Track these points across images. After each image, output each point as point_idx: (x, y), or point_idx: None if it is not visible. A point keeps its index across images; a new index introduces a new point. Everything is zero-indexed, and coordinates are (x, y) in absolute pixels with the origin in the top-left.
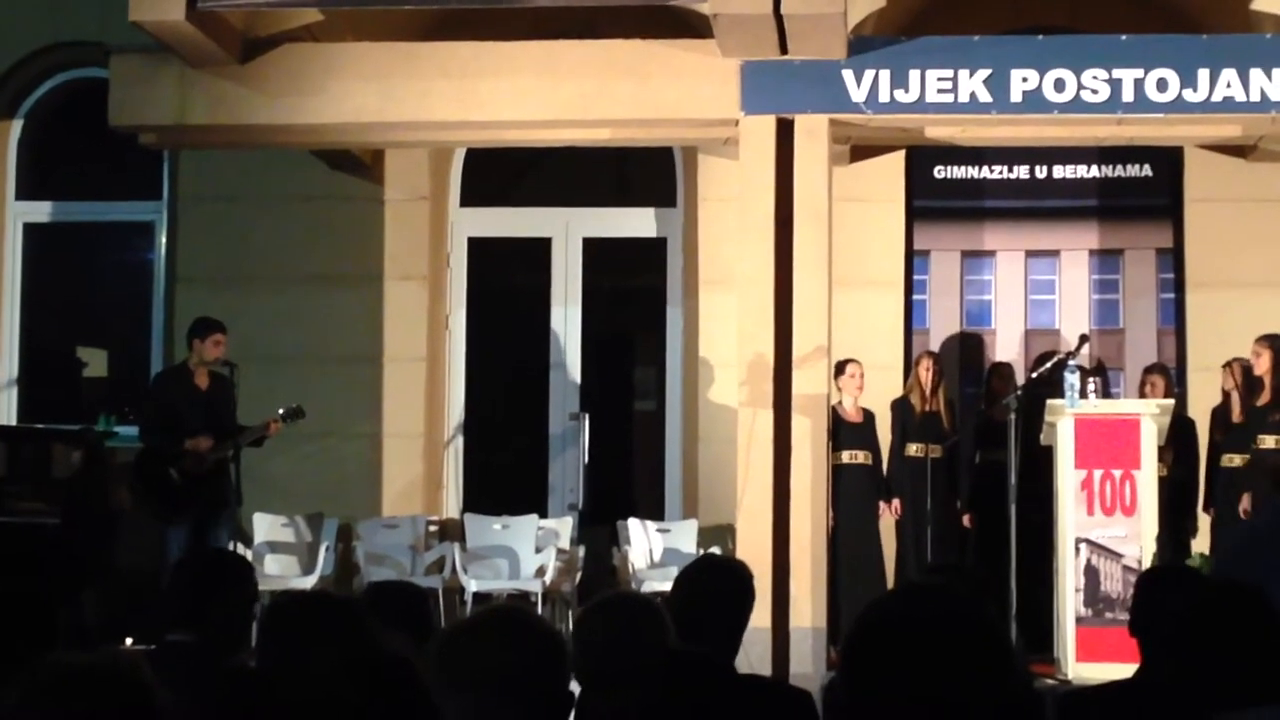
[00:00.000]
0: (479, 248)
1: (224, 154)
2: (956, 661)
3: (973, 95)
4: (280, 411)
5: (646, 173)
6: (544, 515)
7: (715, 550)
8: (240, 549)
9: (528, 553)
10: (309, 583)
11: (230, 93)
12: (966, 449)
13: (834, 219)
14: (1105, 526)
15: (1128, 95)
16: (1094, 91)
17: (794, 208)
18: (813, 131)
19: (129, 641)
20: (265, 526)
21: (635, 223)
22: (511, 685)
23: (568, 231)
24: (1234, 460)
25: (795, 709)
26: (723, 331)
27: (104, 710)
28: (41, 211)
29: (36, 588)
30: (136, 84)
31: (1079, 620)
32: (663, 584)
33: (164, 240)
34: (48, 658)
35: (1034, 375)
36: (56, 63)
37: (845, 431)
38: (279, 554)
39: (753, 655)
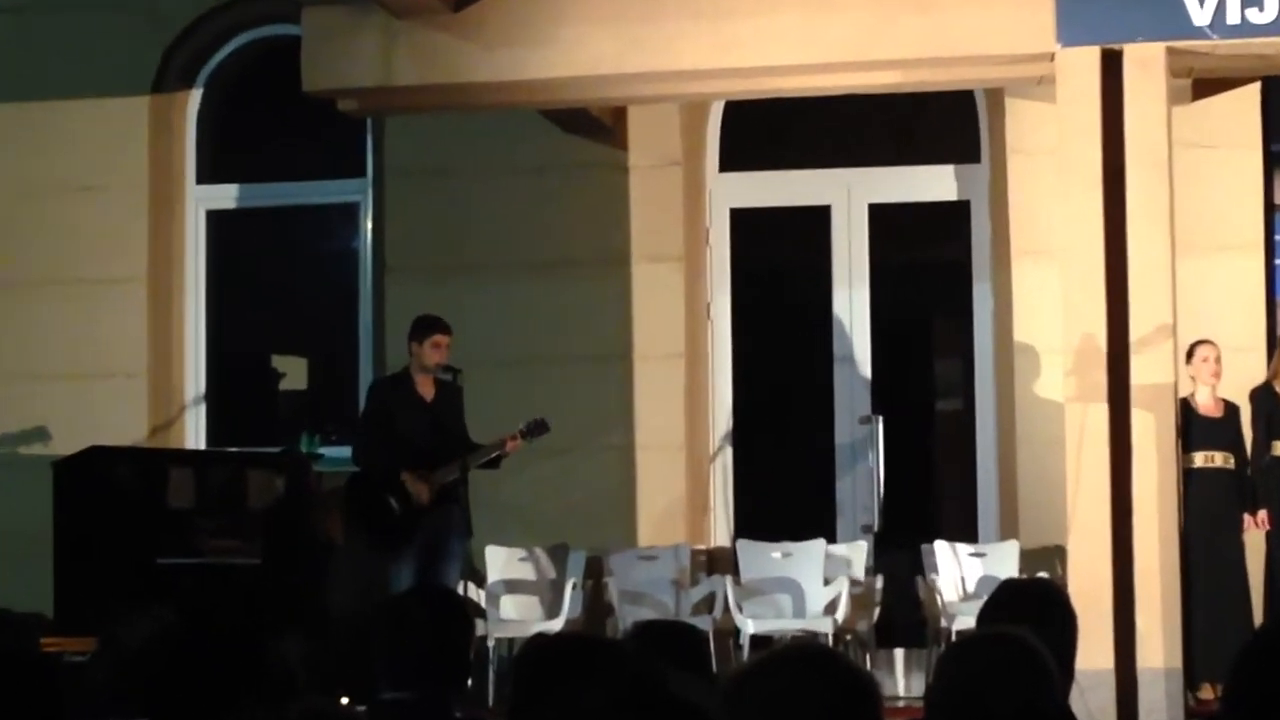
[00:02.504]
0: (743, 220)
1: (438, 120)
2: None
3: None
4: (520, 427)
5: (942, 123)
6: (832, 540)
7: (1043, 575)
8: (471, 589)
9: (814, 585)
10: (555, 626)
11: (443, 46)
12: None
13: (1174, 169)
14: None
15: None
16: None
17: (1125, 158)
18: (1146, 63)
19: (344, 701)
20: (500, 561)
21: (931, 184)
22: None
23: (849, 197)
24: None
25: None
26: (1043, 311)
27: None
28: (226, 196)
29: (237, 640)
30: (334, 40)
31: None
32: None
33: (369, 225)
34: (250, 714)
35: None
36: (240, 20)
37: (1199, 428)
38: (518, 594)
39: (1093, 701)
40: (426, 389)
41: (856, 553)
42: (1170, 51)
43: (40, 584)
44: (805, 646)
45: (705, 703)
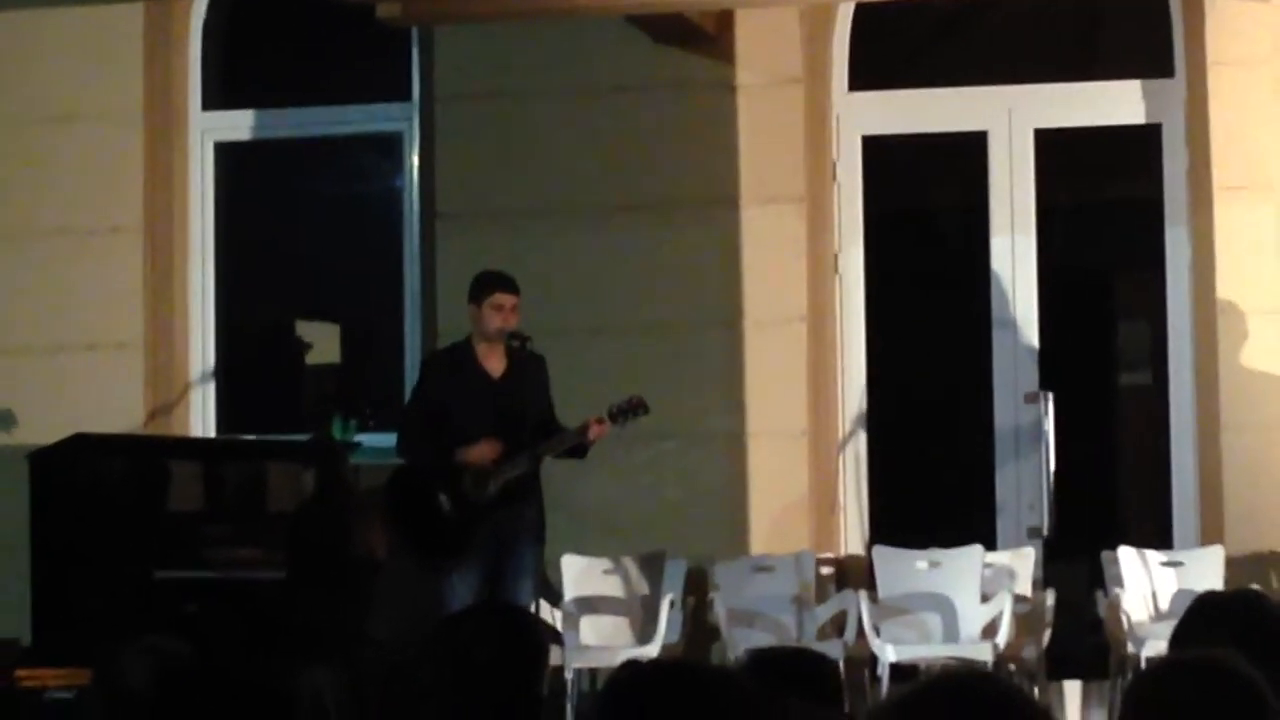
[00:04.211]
0: (878, 151)
1: (499, 31)
2: None
3: None
4: (610, 408)
5: (1125, 29)
6: (991, 546)
7: (1255, 587)
8: (545, 608)
9: (970, 602)
10: (648, 653)
11: None
12: None
13: None
14: None
15: None
16: None
17: None
18: None
19: None
20: (580, 574)
21: (1112, 104)
22: None
23: (1010, 122)
24: None
25: None
26: (1254, 260)
27: None
28: (239, 125)
29: (258, 674)
30: None
31: None
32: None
33: (415, 160)
34: None
35: None
36: None
37: None
38: (602, 614)
39: None
40: (494, 363)
41: (1022, 562)
42: None
43: (14, 602)
44: (966, 676)
45: None
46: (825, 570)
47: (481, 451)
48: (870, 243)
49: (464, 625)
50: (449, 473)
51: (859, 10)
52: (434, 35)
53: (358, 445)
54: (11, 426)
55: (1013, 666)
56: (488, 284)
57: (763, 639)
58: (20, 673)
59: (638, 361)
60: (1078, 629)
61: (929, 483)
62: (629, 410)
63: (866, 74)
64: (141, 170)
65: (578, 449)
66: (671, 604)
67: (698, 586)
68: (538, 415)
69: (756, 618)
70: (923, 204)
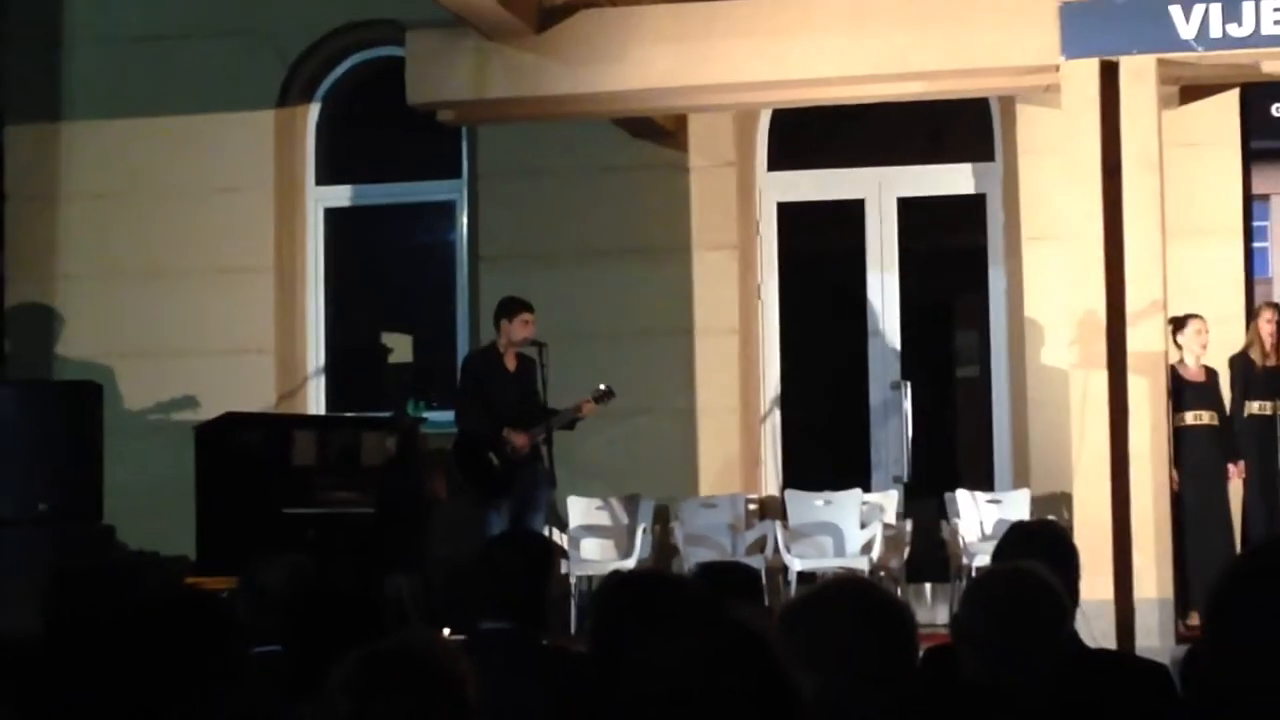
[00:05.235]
0: (789, 213)
1: (524, 128)
2: None
3: None
4: (592, 393)
5: (962, 126)
6: (867, 489)
7: (1051, 518)
8: (555, 533)
9: (852, 529)
10: (628, 565)
11: (528, 64)
12: None
13: (1165, 166)
14: None
15: None
16: None
17: (1122, 156)
18: (1139, 73)
19: (446, 632)
20: (580, 510)
21: (952, 180)
22: (863, 659)
23: (881, 192)
24: None
25: (1150, 682)
26: (1049, 290)
27: (413, 700)
28: (342, 195)
29: (358, 581)
30: (433, 60)
31: None
32: None
33: (465, 219)
34: (363, 648)
35: None
36: (353, 43)
37: (1188, 392)
38: (595, 537)
39: (1096, 629)
40: (511, 362)
41: (889, 500)
42: (1160, 62)
43: (183, 532)
44: (851, 580)
45: (760, 628)
46: (752, 506)
47: (515, 438)
48: (783, 277)
49: (501, 546)
50: (494, 438)
51: (776, 114)
52: (478, 132)
53: (425, 419)
54: (196, 408)
55: (883, 573)
56: (517, 306)
57: (708, 555)
58: (189, 579)
59: (620, 359)
60: (928, 547)
61: (824, 444)
62: (603, 396)
63: (781, 158)
64: (273, 227)
65: (572, 423)
66: (645, 530)
67: (663, 518)
68: (535, 399)
69: (704, 540)
70: (820, 250)
